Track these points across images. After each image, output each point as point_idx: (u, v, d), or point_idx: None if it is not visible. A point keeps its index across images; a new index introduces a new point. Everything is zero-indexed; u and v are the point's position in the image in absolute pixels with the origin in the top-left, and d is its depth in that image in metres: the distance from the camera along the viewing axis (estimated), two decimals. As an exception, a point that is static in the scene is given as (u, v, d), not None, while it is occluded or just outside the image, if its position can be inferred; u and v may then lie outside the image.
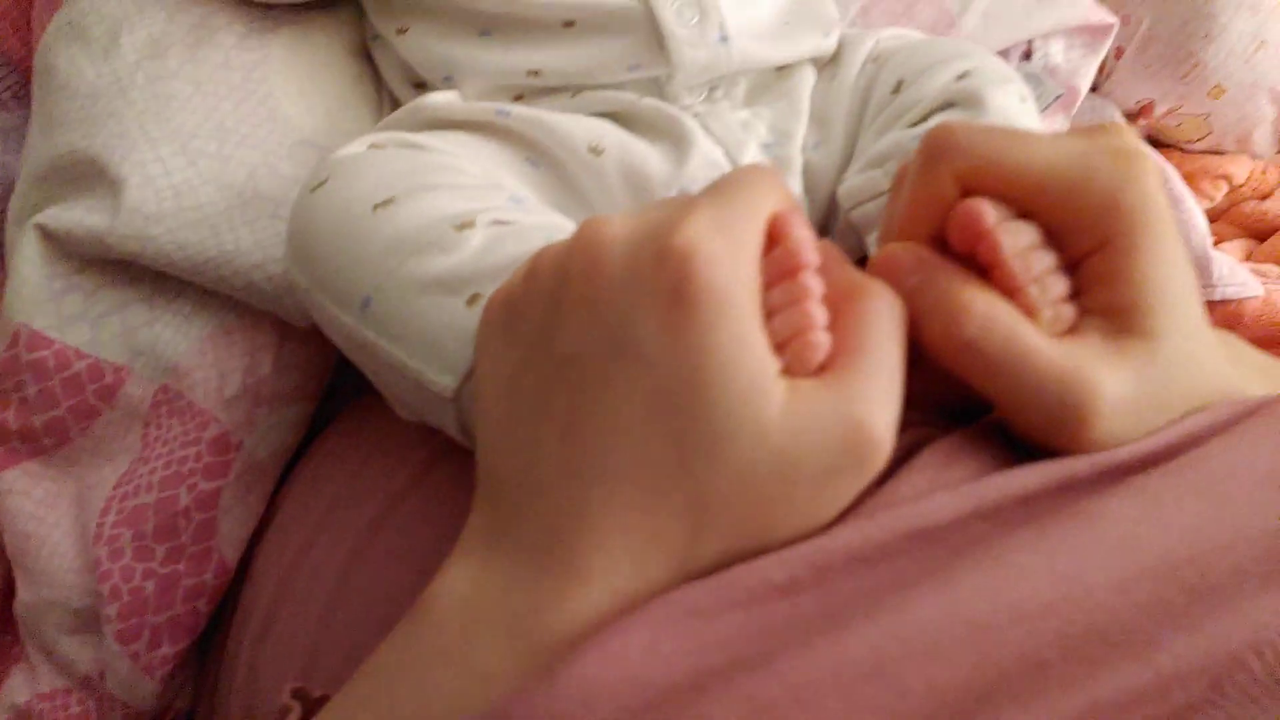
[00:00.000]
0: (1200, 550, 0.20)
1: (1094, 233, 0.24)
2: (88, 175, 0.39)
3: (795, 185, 0.39)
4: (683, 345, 0.21)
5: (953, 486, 0.23)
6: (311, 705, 0.25)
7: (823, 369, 0.22)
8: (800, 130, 0.40)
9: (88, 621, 0.39)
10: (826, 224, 0.42)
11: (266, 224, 0.39)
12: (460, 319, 0.29)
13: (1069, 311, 0.24)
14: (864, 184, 0.38)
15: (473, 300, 0.29)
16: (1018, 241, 0.24)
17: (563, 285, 0.23)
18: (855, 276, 0.24)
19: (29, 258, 0.39)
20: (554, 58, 0.39)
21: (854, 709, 0.19)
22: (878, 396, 0.22)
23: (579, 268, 0.23)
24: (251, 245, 0.38)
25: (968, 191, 0.24)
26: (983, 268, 0.24)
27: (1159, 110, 0.63)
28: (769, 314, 0.22)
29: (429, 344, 0.29)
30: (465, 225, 0.30)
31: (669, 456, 0.21)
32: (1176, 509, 0.21)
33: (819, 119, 0.41)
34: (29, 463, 0.40)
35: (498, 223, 0.31)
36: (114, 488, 0.39)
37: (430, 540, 0.26)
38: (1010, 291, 0.24)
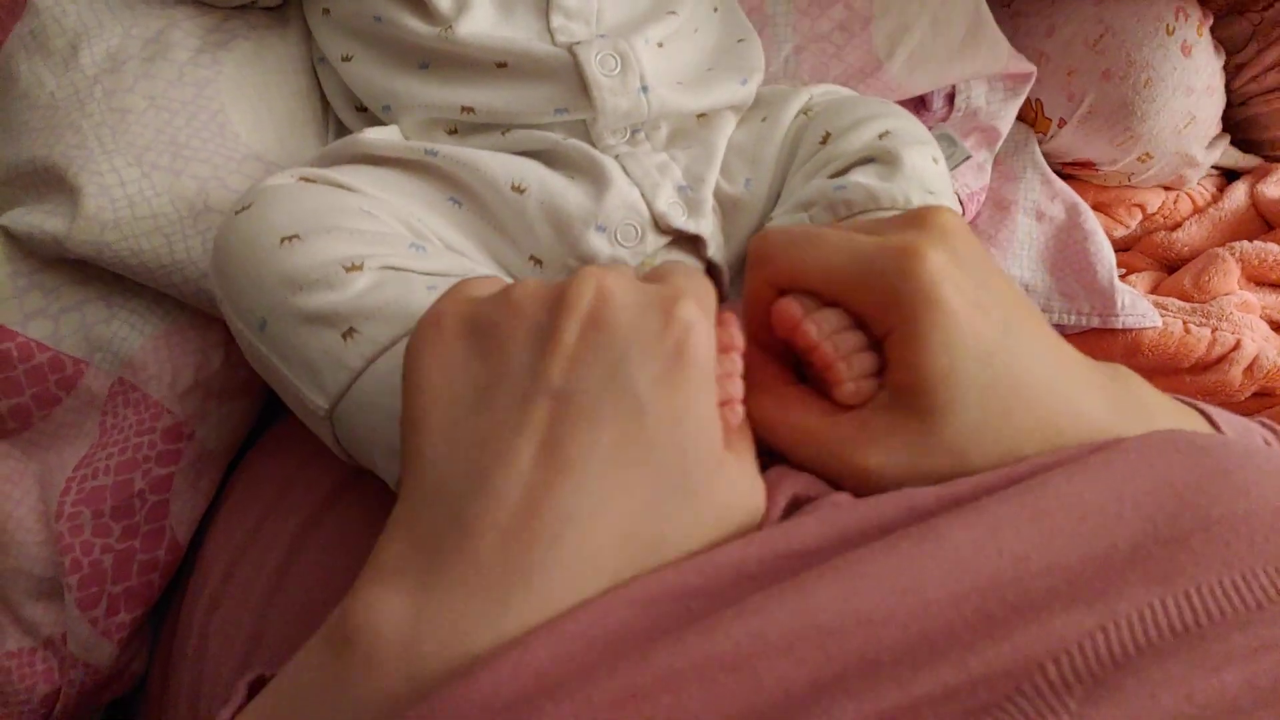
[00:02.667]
0: (1024, 572, 0.23)
1: (882, 321, 0.27)
2: (48, 182, 0.41)
3: (706, 225, 0.42)
4: (673, 397, 0.24)
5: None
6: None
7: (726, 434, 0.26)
8: (712, 176, 0.42)
9: (51, 589, 0.42)
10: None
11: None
12: (336, 349, 0.32)
13: (870, 385, 0.28)
14: (789, 224, 0.41)
15: (348, 334, 0.32)
16: (824, 327, 0.27)
17: (560, 321, 0.25)
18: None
19: (-7, 258, 0.41)
20: (486, 96, 0.41)
21: (714, 696, 0.21)
22: (757, 472, 0.27)
23: (589, 312, 0.25)
24: (201, 255, 0.41)
25: (784, 290, 0.29)
26: (803, 351, 0.28)
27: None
28: None
29: (308, 367, 0.32)
30: (354, 268, 0.33)
31: (641, 501, 0.24)
32: (1012, 534, 0.24)
33: (751, 159, 0.43)
34: (-5, 444, 0.42)
35: (387, 268, 0.33)
36: (74, 469, 0.42)
37: (366, 534, 0.27)
38: (824, 367, 0.28)
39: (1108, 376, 0.30)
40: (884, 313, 0.27)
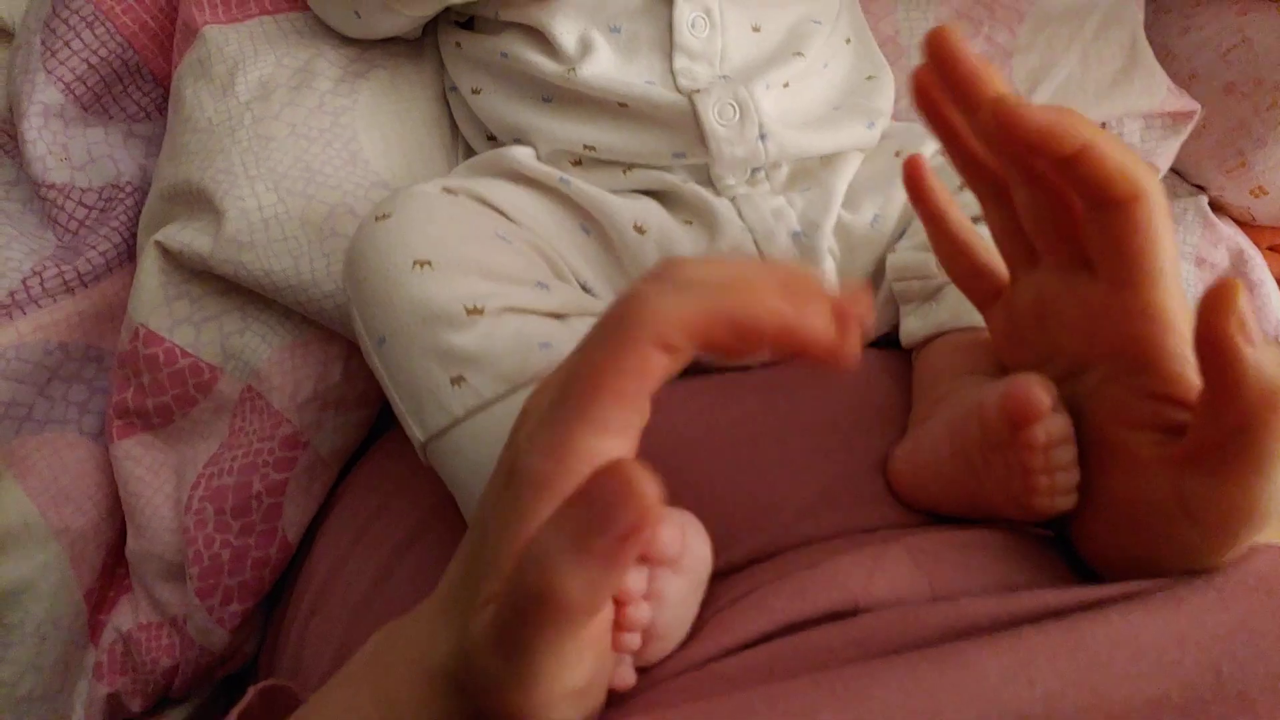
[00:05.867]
0: (1055, 709, 0.20)
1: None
2: (198, 202, 0.43)
3: (819, 272, 0.39)
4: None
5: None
6: (278, 702, 0.27)
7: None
8: (829, 221, 0.39)
9: (178, 573, 0.44)
10: (872, 288, 0.41)
11: (339, 259, 0.41)
12: (442, 391, 0.31)
13: (1068, 501, 0.27)
14: (913, 262, 0.38)
15: (457, 380, 0.31)
16: (1053, 434, 0.26)
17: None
18: None
19: (149, 268, 0.43)
20: (608, 136, 0.40)
21: None
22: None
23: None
24: (325, 277, 0.41)
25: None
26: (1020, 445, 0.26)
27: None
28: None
29: (414, 398, 0.32)
30: (475, 310, 0.32)
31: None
32: (1048, 667, 0.21)
33: (882, 194, 0.41)
34: (142, 434, 0.45)
35: (508, 310, 0.32)
36: (204, 466, 0.44)
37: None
38: (1035, 471, 0.26)
39: None
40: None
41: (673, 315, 0.20)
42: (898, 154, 0.42)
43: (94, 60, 0.49)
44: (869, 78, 0.44)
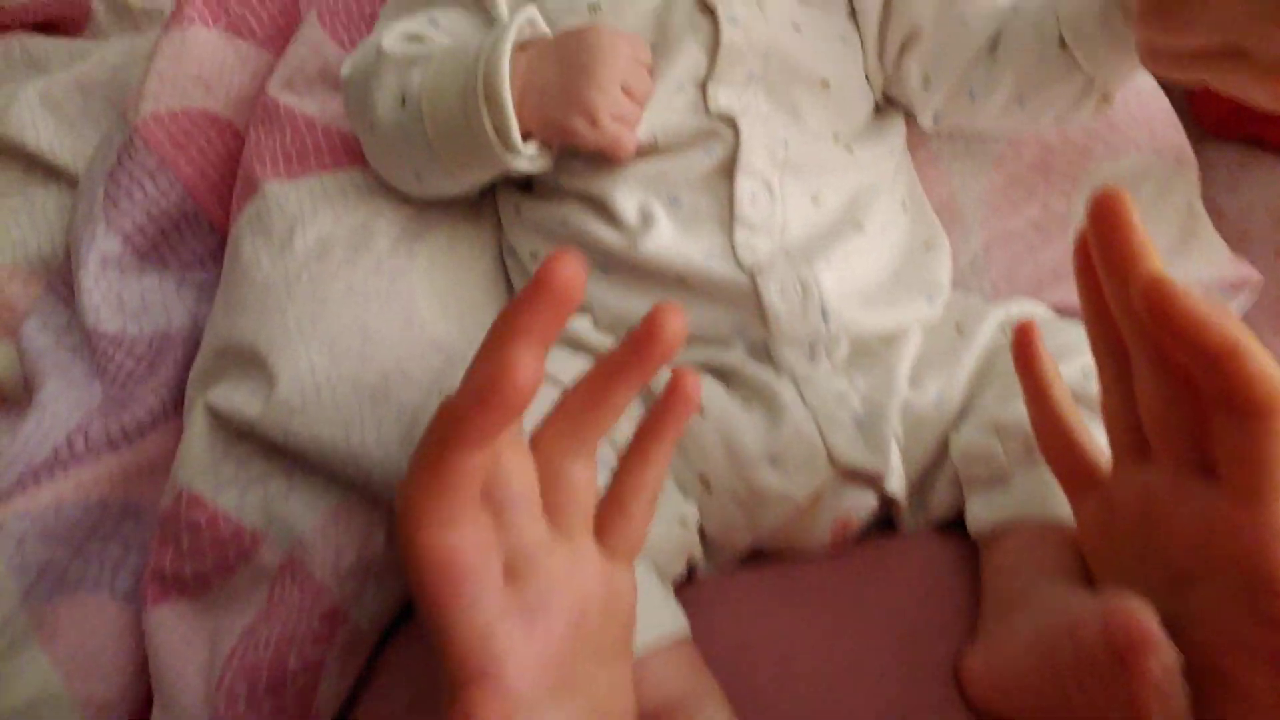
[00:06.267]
0: None
1: None
2: (250, 363, 0.42)
3: (884, 461, 0.37)
4: None
5: None
6: None
7: None
8: (893, 408, 0.38)
9: (203, 753, 0.41)
10: (932, 467, 0.39)
11: (390, 427, 0.40)
12: None
13: None
14: (981, 449, 0.37)
15: None
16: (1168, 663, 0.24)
17: None
18: None
19: (198, 430, 0.42)
20: None
21: None
22: None
23: None
24: (375, 445, 0.40)
25: None
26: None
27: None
28: None
29: None
30: None
31: None
32: None
33: (944, 371, 0.39)
34: (178, 602, 0.43)
35: None
36: (239, 638, 0.41)
37: None
38: (1154, 703, 0.24)
39: None
40: None
41: (427, 508, 0.22)
42: (960, 331, 0.41)
43: (154, 211, 0.50)
44: (926, 245, 0.44)
